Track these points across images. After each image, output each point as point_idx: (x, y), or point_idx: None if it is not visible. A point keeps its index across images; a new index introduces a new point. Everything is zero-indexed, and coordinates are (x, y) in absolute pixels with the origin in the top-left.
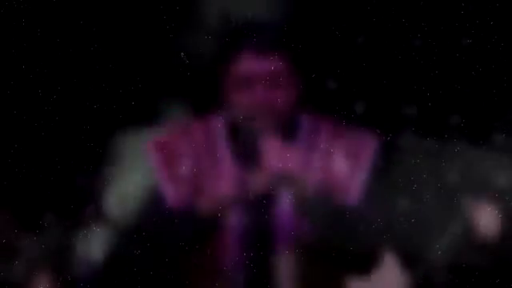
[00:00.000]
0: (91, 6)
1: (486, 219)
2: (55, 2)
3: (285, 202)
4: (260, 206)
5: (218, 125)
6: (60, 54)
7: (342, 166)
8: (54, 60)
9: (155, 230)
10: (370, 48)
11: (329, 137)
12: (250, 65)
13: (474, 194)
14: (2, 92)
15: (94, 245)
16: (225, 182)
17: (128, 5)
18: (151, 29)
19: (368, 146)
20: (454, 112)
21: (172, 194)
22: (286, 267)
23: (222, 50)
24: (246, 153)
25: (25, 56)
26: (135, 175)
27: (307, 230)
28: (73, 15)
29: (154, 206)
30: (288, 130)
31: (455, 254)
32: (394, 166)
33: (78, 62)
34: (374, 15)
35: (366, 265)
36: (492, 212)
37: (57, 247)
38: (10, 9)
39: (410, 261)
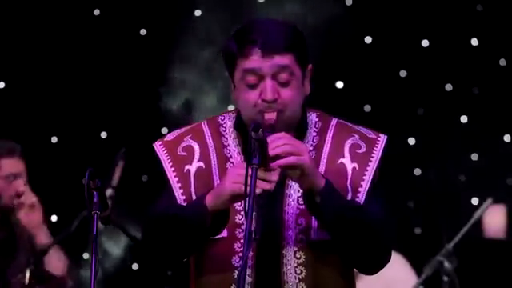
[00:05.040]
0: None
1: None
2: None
3: (293, 199)
4: (269, 202)
5: (227, 123)
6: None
7: (350, 163)
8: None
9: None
10: (377, 48)
11: (337, 135)
12: (258, 63)
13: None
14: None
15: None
16: (233, 178)
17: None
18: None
19: (376, 145)
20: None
21: (181, 193)
22: (294, 264)
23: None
24: (255, 150)
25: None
26: None
27: (316, 226)
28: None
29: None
30: (296, 128)
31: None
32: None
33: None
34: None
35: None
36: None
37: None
38: None
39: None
